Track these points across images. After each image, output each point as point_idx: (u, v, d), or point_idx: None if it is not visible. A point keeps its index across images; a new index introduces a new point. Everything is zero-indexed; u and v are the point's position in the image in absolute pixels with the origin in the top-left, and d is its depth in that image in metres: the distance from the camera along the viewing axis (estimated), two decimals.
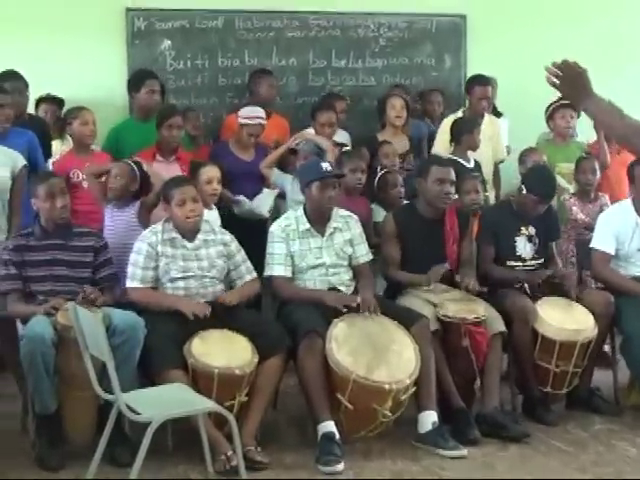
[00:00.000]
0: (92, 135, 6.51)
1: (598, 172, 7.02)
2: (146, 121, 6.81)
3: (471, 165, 7.05)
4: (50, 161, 6.56)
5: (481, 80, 7.78)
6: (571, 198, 7.01)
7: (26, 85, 6.72)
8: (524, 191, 6.10)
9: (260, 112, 6.93)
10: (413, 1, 8.45)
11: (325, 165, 5.68)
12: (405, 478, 4.85)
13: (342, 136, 7.43)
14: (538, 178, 6.16)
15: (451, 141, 7.21)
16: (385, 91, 8.05)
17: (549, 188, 6.08)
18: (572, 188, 7.17)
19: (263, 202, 6.60)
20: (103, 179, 6.01)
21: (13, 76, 6.66)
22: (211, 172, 6.02)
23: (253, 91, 7.63)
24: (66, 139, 6.62)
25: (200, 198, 5.51)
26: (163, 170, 6.23)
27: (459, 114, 7.73)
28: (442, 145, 7.43)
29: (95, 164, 6.17)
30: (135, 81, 7.16)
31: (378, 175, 6.67)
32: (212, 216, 6.02)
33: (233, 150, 6.86)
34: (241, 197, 6.60)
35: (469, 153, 7.13)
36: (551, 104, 7.64)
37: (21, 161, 5.79)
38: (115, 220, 5.91)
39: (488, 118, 7.71)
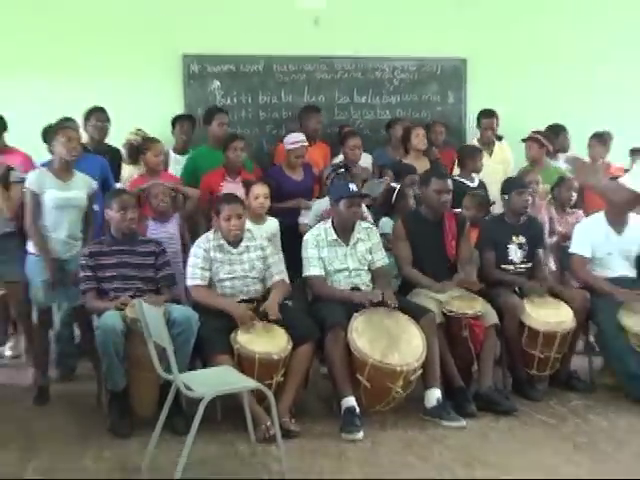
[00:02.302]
0: (161, 164, 6.57)
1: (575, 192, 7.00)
2: (217, 149, 6.80)
3: (474, 184, 7.04)
4: (122, 182, 6.62)
5: (487, 113, 7.82)
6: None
7: (108, 118, 6.77)
8: (506, 198, 6.21)
9: (301, 137, 6.90)
10: (421, 47, 8.42)
11: (352, 186, 5.70)
12: (414, 445, 4.87)
13: (366, 157, 7.42)
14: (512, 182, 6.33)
15: (458, 165, 7.25)
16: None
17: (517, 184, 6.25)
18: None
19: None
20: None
21: (99, 110, 6.76)
22: (259, 189, 5.98)
23: (302, 124, 7.59)
24: (139, 165, 6.66)
25: (245, 214, 5.54)
26: (231, 188, 6.23)
27: (475, 142, 7.74)
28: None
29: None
30: (207, 115, 7.18)
31: (396, 191, 6.64)
32: (272, 226, 6.10)
33: (285, 172, 6.83)
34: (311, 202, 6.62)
35: (474, 174, 7.14)
36: (523, 139, 7.63)
37: (94, 185, 5.79)
38: (159, 233, 5.91)
39: (499, 145, 7.72)
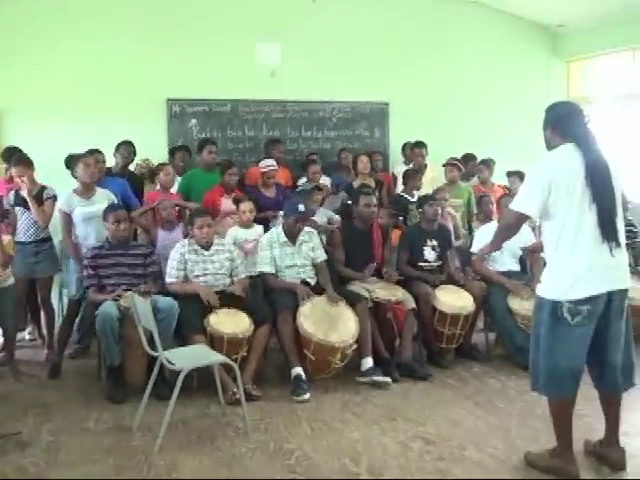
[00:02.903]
0: (172, 181, 6.53)
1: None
2: (208, 172, 6.76)
3: (414, 199, 6.94)
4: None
5: (419, 144, 7.77)
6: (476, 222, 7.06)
7: (134, 151, 6.88)
8: (420, 210, 6.25)
9: (272, 162, 6.85)
10: (354, 93, 8.46)
11: (301, 207, 5.63)
12: (350, 404, 4.86)
13: (325, 180, 7.39)
14: (425, 197, 6.34)
15: (403, 183, 7.24)
16: (336, 153, 8.12)
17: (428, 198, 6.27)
18: (458, 216, 7.17)
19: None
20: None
21: (128, 143, 6.84)
22: (245, 206, 5.98)
23: (268, 152, 7.51)
24: (157, 183, 6.63)
25: (212, 224, 5.50)
26: (228, 204, 6.30)
27: (408, 167, 7.68)
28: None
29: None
30: (200, 145, 7.09)
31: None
32: (258, 230, 6.08)
33: (261, 190, 6.76)
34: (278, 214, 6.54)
35: (414, 191, 7.09)
36: (443, 164, 7.63)
37: (112, 197, 5.78)
38: (167, 239, 5.87)
39: (430, 168, 7.70)
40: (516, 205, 3.63)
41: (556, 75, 9.51)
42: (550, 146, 3.71)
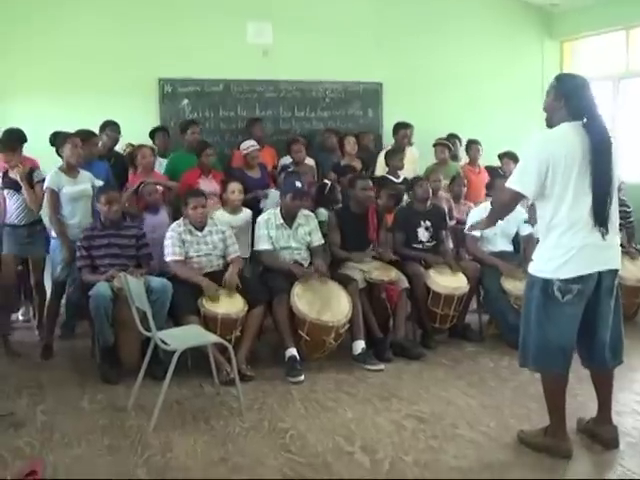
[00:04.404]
0: (151, 163, 6.45)
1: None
2: (191, 153, 6.72)
3: (399, 180, 6.94)
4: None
5: (404, 125, 7.77)
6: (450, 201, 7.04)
7: (119, 131, 6.73)
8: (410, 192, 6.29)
9: (253, 142, 6.86)
10: (347, 73, 8.40)
11: (298, 183, 5.63)
12: (343, 384, 4.88)
13: (309, 161, 7.33)
14: (416, 178, 6.38)
15: (386, 164, 7.21)
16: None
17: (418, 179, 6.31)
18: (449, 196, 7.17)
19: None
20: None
21: (113, 123, 6.68)
22: (234, 186, 5.94)
23: (251, 132, 7.51)
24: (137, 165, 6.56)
25: (206, 205, 5.49)
26: (205, 185, 6.26)
27: (389, 147, 7.64)
28: (379, 167, 7.43)
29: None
30: (183, 126, 7.07)
31: (328, 187, 6.64)
32: (247, 214, 6.05)
33: (245, 171, 6.73)
34: (266, 191, 6.60)
35: (399, 172, 7.04)
36: (434, 144, 7.67)
37: (94, 180, 5.74)
38: (152, 221, 5.86)
39: (409, 150, 7.67)
40: (512, 183, 3.62)
41: (549, 55, 9.47)
42: (551, 117, 3.66)
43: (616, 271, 3.65)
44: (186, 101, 7.96)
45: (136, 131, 7.13)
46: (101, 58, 7.43)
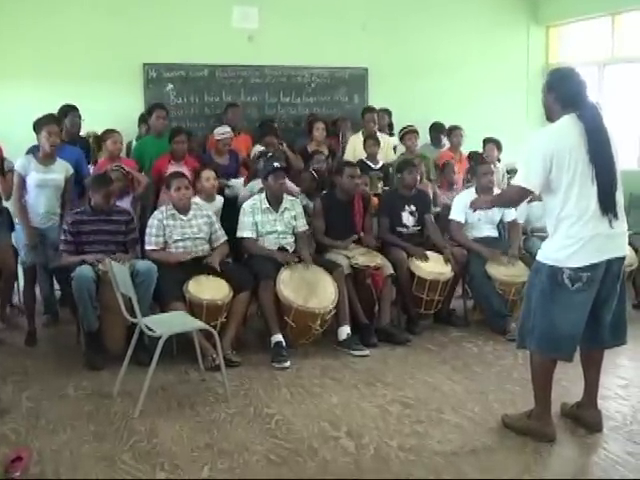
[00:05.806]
0: (120, 150, 6.43)
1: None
2: (159, 138, 6.67)
3: (377, 167, 6.98)
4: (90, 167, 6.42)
5: (369, 109, 7.77)
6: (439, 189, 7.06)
7: (79, 115, 6.56)
8: (398, 176, 6.27)
9: (226, 129, 6.82)
10: (333, 58, 8.39)
11: (276, 163, 5.65)
12: (329, 369, 4.90)
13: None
14: (405, 163, 6.31)
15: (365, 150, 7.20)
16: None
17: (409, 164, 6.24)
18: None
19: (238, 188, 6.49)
20: None
21: (73, 108, 6.52)
22: (208, 173, 5.90)
23: (227, 117, 7.49)
24: (104, 151, 6.48)
25: (189, 186, 5.48)
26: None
27: (359, 134, 7.63)
28: (350, 153, 7.45)
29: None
30: (148, 110, 7.03)
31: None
32: (219, 201, 6.03)
33: (214, 158, 6.72)
34: (232, 181, 6.53)
35: (378, 158, 7.08)
36: (401, 130, 7.67)
37: (70, 170, 5.71)
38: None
39: (380, 136, 7.63)
40: (519, 180, 3.66)
41: (535, 40, 9.45)
42: (550, 113, 3.69)
43: (623, 258, 3.69)
44: (171, 86, 7.94)
45: (120, 116, 7.10)
46: (85, 43, 7.41)
